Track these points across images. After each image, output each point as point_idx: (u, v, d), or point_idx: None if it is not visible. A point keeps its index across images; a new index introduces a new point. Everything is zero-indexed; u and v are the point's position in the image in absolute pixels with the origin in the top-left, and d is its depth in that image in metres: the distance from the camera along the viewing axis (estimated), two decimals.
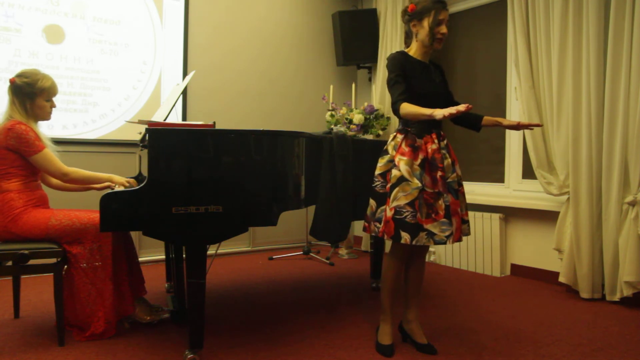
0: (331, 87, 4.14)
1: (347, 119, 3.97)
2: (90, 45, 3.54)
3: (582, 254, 2.92)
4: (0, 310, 2.60)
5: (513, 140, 3.63)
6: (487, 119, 2.19)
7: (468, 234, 2.15)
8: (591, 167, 2.89)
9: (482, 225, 3.60)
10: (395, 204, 1.95)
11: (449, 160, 2.05)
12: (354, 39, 4.43)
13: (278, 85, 4.46)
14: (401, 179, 1.96)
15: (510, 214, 3.54)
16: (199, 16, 4.02)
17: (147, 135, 1.88)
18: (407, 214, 1.93)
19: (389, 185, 2.00)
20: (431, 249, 3.98)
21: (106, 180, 2.32)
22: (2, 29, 3.24)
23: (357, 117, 3.90)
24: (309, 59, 4.66)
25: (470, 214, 3.67)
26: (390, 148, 2.08)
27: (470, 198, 3.71)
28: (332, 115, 3.97)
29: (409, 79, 2.04)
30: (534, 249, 3.43)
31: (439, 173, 1.98)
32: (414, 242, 1.92)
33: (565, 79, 3.01)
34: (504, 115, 3.65)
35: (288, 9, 4.52)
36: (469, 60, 4.05)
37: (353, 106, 4.08)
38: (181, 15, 3.92)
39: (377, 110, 4.06)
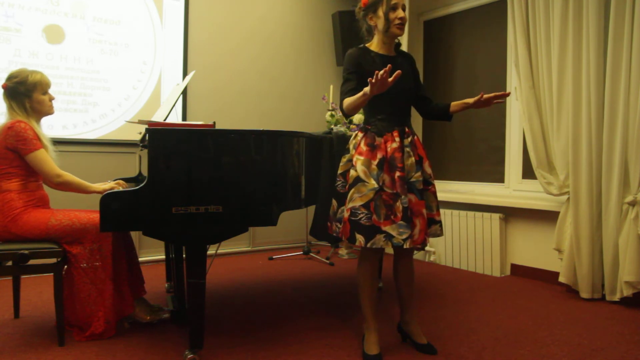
0: (331, 87, 4.14)
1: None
2: (90, 45, 3.54)
3: (582, 254, 2.92)
4: (0, 310, 2.60)
5: (513, 140, 3.63)
6: (454, 104, 2.12)
7: (440, 234, 2.08)
8: (591, 167, 2.89)
9: (482, 225, 3.60)
10: (351, 205, 1.91)
11: (413, 159, 1.97)
12: (354, 39, 4.42)
13: (278, 85, 4.46)
14: (357, 180, 1.92)
15: (510, 214, 3.54)
16: (199, 16, 4.02)
17: (147, 135, 1.88)
18: (362, 215, 1.88)
19: (347, 185, 1.96)
20: (431, 249, 3.98)
21: (93, 191, 2.29)
22: (2, 29, 3.24)
23: (357, 117, 3.90)
24: (309, 59, 4.66)
25: (470, 214, 3.67)
26: (351, 147, 2.04)
27: (470, 198, 3.74)
28: (332, 115, 3.97)
29: (368, 75, 1.95)
30: (534, 249, 3.43)
31: (397, 173, 1.91)
32: (369, 245, 1.87)
33: (565, 79, 3.01)
34: (503, 115, 3.66)
35: (288, 9, 4.52)
36: (469, 60, 4.05)
37: None
38: (181, 15, 3.92)
39: None
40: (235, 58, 4.21)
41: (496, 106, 3.71)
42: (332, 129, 3.02)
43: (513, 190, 3.63)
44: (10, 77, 2.30)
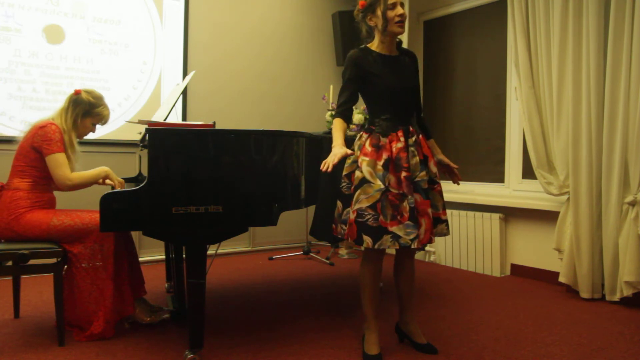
0: (331, 87, 4.14)
1: None
2: (90, 45, 3.54)
3: (582, 254, 2.92)
4: (0, 310, 2.60)
5: (513, 140, 3.63)
6: (433, 144, 2.20)
7: (446, 234, 2.08)
8: (591, 167, 2.89)
9: (482, 225, 3.60)
10: (357, 206, 1.90)
11: (417, 158, 1.97)
12: (354, 39, 4.40)
13: (278, 85, 4.46)
14: (363, 181, 1.91)
15: (510, 214, 3.54)
16: (199, 16, 4.02)
17: (147, 135, 1.88)
18: (368, 216, 1.87)
19: (353, 187, 1.96)
20: (431, 249, 3.98)
21: (103, 174, 2.34)
22: (2, 29, 3.24)
23: (357, 117, 3.90)
24: (309, 59, 4.66)
25: (470, 214, 3.68)
26: (355, 148, 2.03)
27: (470, 198, 3.74)
28: (332, 115, 3.97)
29: (369, 76, 1.98)
30: (534, 249, 3.43)
31: (403, 173, 1.91)
32: (376, 246, 1.87)
33: (565, 79, 3.01)
34: (503, 115, 3.67)
35: (288, 9, 4.52)
36: (469, 60, 4.05)
37: None
38: (181, 15, 3.92)
39: None
40: (235, 58, 4.21)
41: (496, 106, 3.74)
42: (332, 129, 3.02)
43: (513, 190, 3.63)
44: (89, 92, 2.43)
